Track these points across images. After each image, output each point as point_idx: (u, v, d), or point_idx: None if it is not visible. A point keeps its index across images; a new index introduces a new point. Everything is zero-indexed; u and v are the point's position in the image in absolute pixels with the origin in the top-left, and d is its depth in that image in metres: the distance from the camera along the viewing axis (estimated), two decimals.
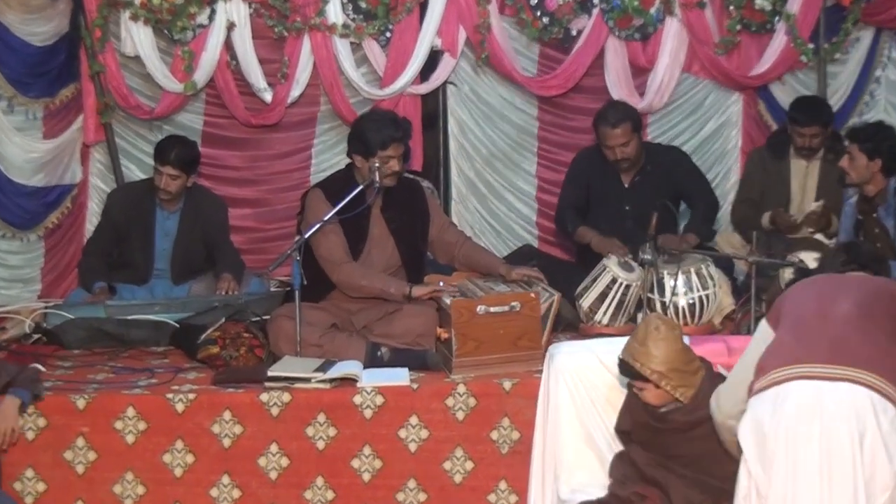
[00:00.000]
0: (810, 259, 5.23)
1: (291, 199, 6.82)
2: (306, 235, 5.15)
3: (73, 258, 6.61)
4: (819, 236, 6.16)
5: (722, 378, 4.08)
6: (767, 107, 7.16)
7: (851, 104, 7.17)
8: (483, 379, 4.91)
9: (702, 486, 4.04)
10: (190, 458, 4.80)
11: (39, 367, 5.01)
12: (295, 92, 6.83)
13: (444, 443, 4.85)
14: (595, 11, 6.82)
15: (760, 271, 5.38)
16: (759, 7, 6.86)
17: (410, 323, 5.18)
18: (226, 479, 4.81)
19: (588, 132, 6.39)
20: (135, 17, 6.50)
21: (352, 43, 6.79)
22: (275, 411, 4.80)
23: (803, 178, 6.47)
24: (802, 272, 4.98)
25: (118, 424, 4.77)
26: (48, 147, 6.44)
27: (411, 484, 4.85)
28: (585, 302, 5.50)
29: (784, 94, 7.04)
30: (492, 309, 4.99)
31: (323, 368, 4.90)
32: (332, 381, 4.85)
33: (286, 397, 4.80)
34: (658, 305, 5.36)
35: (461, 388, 4.85)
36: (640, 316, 5.37)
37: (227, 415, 4.80)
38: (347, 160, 5.50)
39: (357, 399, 4.82)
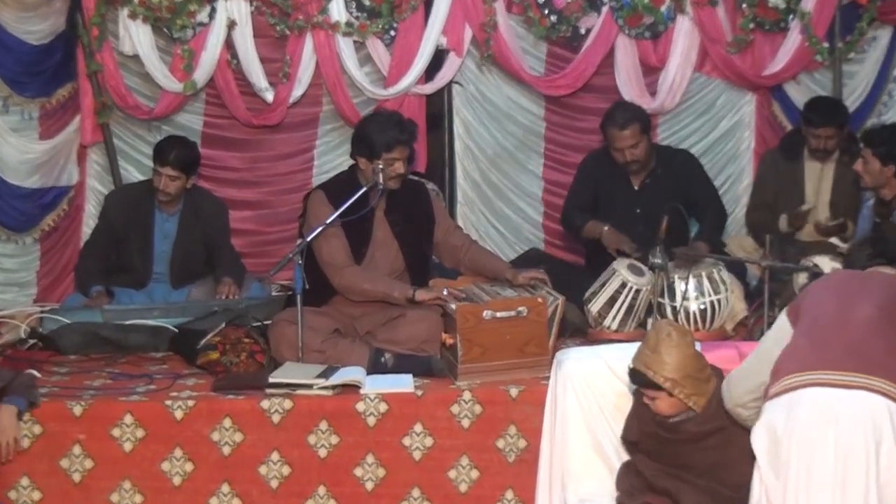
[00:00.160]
0: (825, 263, 5.23)
1: (293, 202, 6.82)
2: (308, 238, 5.16)
3: (69, 261, 6.61)
4: (834, 240, 6.16)
5: None
6: (782, 107, 7.15)
7: (869, 104, 7.15)
8: (489, 386, 4.92)
9: (714, 494, 4.04)
10: (189, 467, 4.81)
11: (35, 373, 5.03)
12: (297, 92, 6.84)
13: (449, 451, 4.85)
14: (604, 9, 6.82)
15: (774, 276, 5.38)
16: (773, 5, 6.85)
17: (415, 328, 5.19)
18: (226, 488, 4.82)
19: (596, 133, 6.39)
20: (133, 15, 6.51)
21: (355, 42, 6.80)
22: (276, 418, 4.81)
23: (818, 180, 6.47)
24: (817, 277, 4.97)
25: (115, 432, 4.78)
26: (44, 148, 6.43)
27: (415, 493, 4.86)
28: (594, 307, 5.51)
29: (799, 94, 7.03)
30: (498, 314, 5.00)
31: (325, 375, 4.91)
32: (334, 387, 4.86)
33: (287, 404, 4.81)
34: (668, 310, 5.36)
35: (467, 395, 4.86)
36: (650, 321, 5.36)
37: (227, 422, 4.81)
38: (350, 162, 5.51)
39: (360, 406, 4.83)
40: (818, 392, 3.51)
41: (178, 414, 4.80)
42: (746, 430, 3.75)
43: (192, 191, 6.12)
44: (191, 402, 4.82)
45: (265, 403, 4.81)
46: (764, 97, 7.19)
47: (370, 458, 4.84)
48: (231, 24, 6.61)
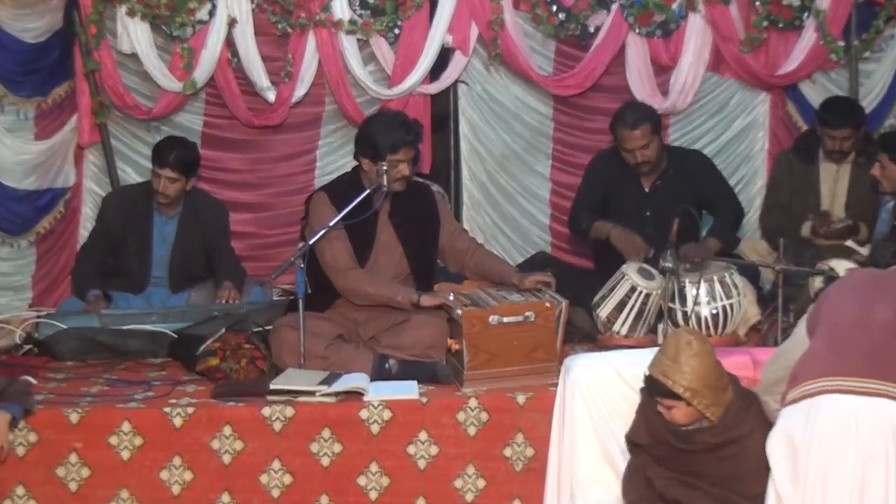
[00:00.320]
0: (841, 267, 5.22)
1: (295, 204, 6.83)
2: (310, 242, 5.16)
3: (66, 265, 6.62)
4: (850, 243, 6.15)
5: (750, 394, 4.09)
6: (798, 107, 7.13)
7: (886, 104, 7.12)
8: (496, 392, 4.92)
9: None
10: (188, 476, 4.82)
11: (30, 379, 5.05)
12: (299, 91, 6.85)
13: (454, 460, 4.86)
14: (614, 7, 6.84)
15: (788, 280, 5.37)
16: (787, 2, 6.85)
17: (420, 334, 5.19)
18: (226, 498, 4.83)
19: (606, 133, 6.39)
20: (132, 13, 6.53)
21: (359, 40, 6.81)
22: (277, 426, 4.82)
23: (833, 182, 6.46)
24: (832, 281, 4.97)
25: (113, 440, 4.78)
26: (40, 149, 6.43)
27: (420, 503, 4.86)
28: (603, 311, 5.51)
29: (815, 94, 7.02)
30: (505, 319, 5.00)
31: (328, 381, 4.91)
32: (337, 394, 4.86)
33: (289, 412, 4.82)
34: (679, 315, 5.36)
35: (473, 403, 4.86)
36: (660, 327, 5.37)
37: (227, 430, 4.81)
38: (354, 163, 5.51)
39: (364, 413, 4.83)
40: (838, 399, 3.51)
41: (178, 421, 4.80)
42: (762, 441, 3.75)
43: (191, 193, 6.13)
44: (190, 410, 4.82)
45: (266, 411, 4.81)
46: (778, 97, 7.19)
47: (374, 467, 4.84)
48: (231, 22, 6.63)
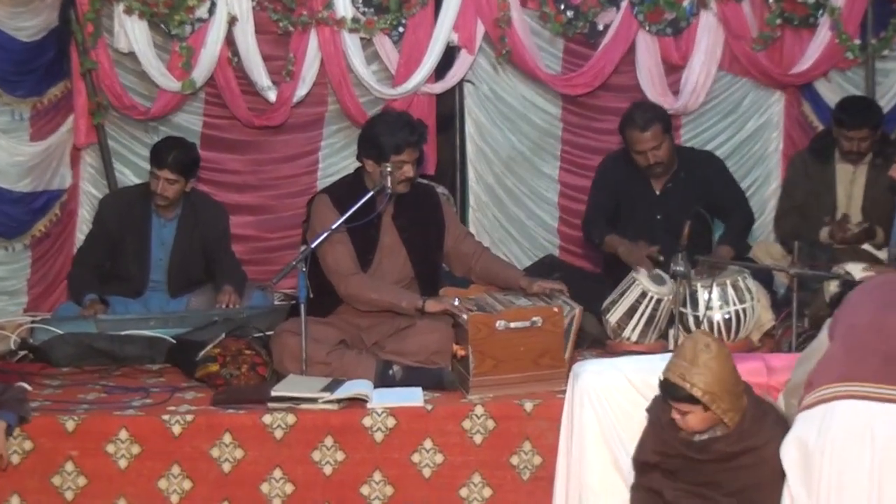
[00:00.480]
0: (857, 271, 5.22)
1: (297, 206, 6.85)
2: (312, 245, 5.17)
3: (62, 269, 6.64)
4: (867, 247, 6.15)
5: (765, 403, 4.08)
6: (813, 107, 7.14)
7: None
8: (502, 399, 4.92)
9: None
10: (187, 485, 4.82)
11: (26, 386, 5.05)
12: (301, 91, 6.87)
13: (460, 468, 4.86)
14: (623, 4, 6.85)
15: (803, 284, 5.36)
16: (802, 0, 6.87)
17: (425, 339, 5.19)
18: None
19: (616, 134, 6.39)
20: (129, 11, 6.55)
21: (362, 38, 6.83)
22: (278, 434, 4.82)
23: (849, 183, 6.45)
24: (848, 285, 4.97)
25: (110, 448, 4.79)
26: (36, 150, 6.44)
27: None
28: (613, 317, 5.51)
29: (831, 93, 7.02)
30: (512, 324, 5.00)
31: (330, 388, 4.91)
32: (340, 401, 4.87)
33: (291, 419, 4.82)
34: (691, 320, 5.37)
35: (479, 410, 4.87)
36: (671, 332, 5.37)
37: (227, 438, 4.82)
38: (357, 164, 5.52)
39: (367, 421, 4.83)
40: (853, 405, 3.51)
41: (176, 429, 4.81)
42: (779, 451, 3.75)
43: (190, 195, 6.14)
44: (189, 417, 4.82)
45: (267, 418, 4.82)
46: (793, 96, 7.19)
47: (377, 476, 4.85)
48: (232, 20, 6.64)
